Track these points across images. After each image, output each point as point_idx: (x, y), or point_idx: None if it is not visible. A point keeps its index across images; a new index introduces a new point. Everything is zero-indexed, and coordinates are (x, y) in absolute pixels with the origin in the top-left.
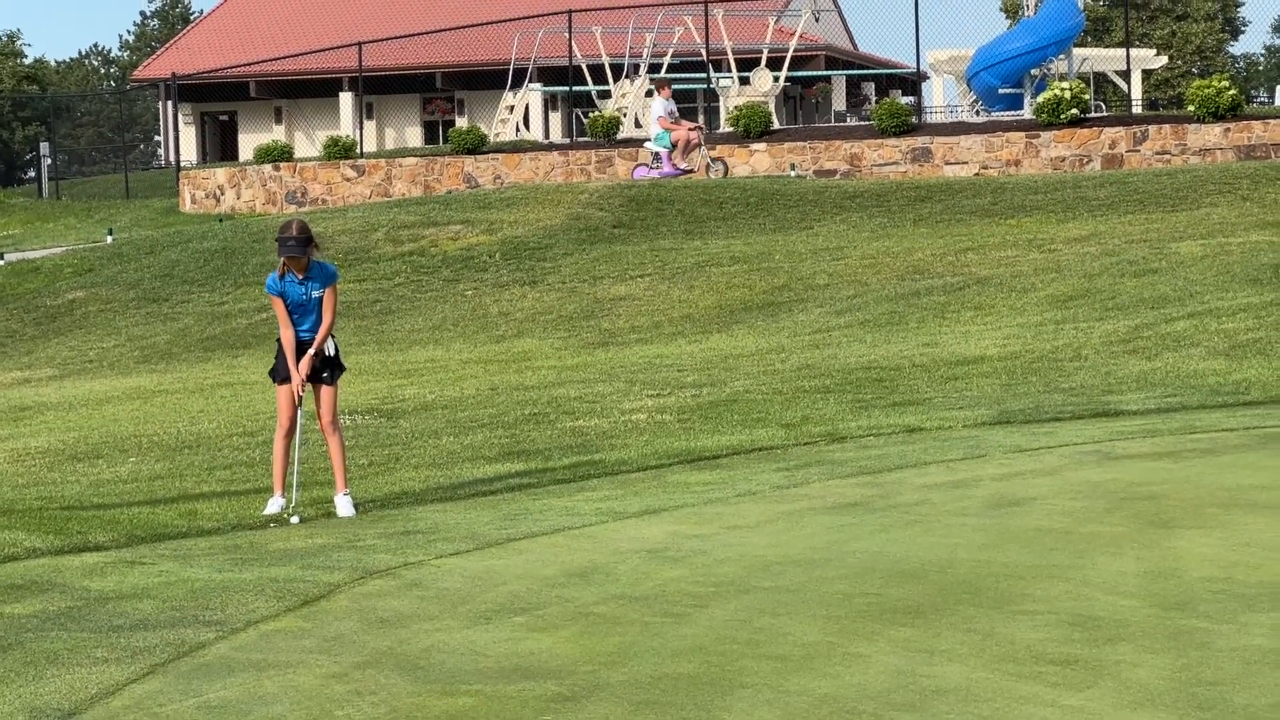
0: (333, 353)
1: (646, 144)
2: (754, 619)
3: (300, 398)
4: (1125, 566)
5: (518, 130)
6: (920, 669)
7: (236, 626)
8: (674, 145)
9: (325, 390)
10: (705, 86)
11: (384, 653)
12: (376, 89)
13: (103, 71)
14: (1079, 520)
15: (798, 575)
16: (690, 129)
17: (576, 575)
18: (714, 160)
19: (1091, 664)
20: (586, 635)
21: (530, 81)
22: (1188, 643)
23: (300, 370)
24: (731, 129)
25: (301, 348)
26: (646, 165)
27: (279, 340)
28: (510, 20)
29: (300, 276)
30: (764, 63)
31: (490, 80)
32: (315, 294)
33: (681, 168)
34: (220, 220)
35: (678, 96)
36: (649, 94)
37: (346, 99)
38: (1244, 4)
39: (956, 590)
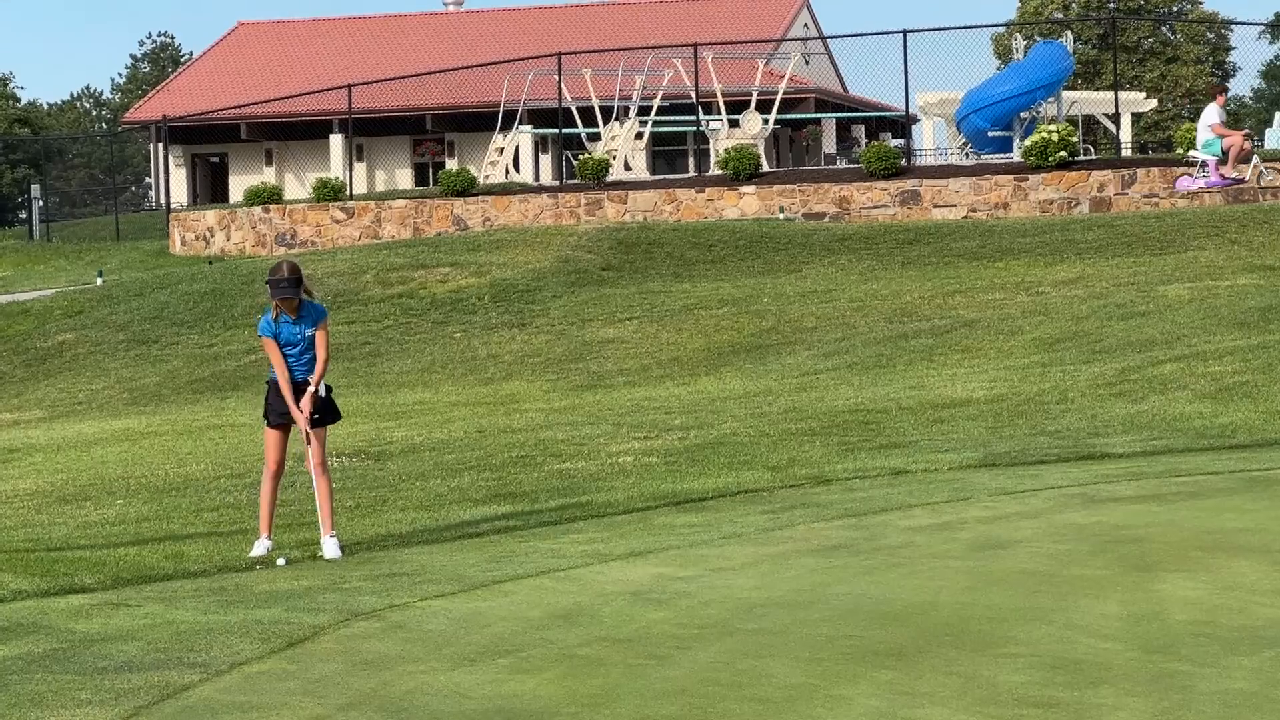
0: (326, 394)
1: (1192, 152)
2: (737, 661)
3: (308, 435)
4: (1108, 609)
5: (507, 172)
6: (902, 711)
7: (221, 669)
8: (1224, 154)
9: (315, 432)
10: (695, 129)
11: (368, 695)
12: (366, 131)
13: (94, 114)
14: (1063, 563)
15: (781, 617)
16: (1244, 136)
17: (561, 617)
18: (1266, 168)
19: (1073, 707)
20: (570, 677)
21: (520, 124)
22: (1169, 686)
23: (303, 408)
24: (721, 171)
25: (297, 388)
26: (1190, 175)
27: (269, 383)
28: (500, 63)
29: (294, 317)
30: (753, 105)
31: (480, 122)
32: (309, 333)
33: (1231, 177)
34: (210, 262)
35: (665, 138)
36: (637, 136)
37: (337, 141)
38: (1235, 48)
39: (939, 633)
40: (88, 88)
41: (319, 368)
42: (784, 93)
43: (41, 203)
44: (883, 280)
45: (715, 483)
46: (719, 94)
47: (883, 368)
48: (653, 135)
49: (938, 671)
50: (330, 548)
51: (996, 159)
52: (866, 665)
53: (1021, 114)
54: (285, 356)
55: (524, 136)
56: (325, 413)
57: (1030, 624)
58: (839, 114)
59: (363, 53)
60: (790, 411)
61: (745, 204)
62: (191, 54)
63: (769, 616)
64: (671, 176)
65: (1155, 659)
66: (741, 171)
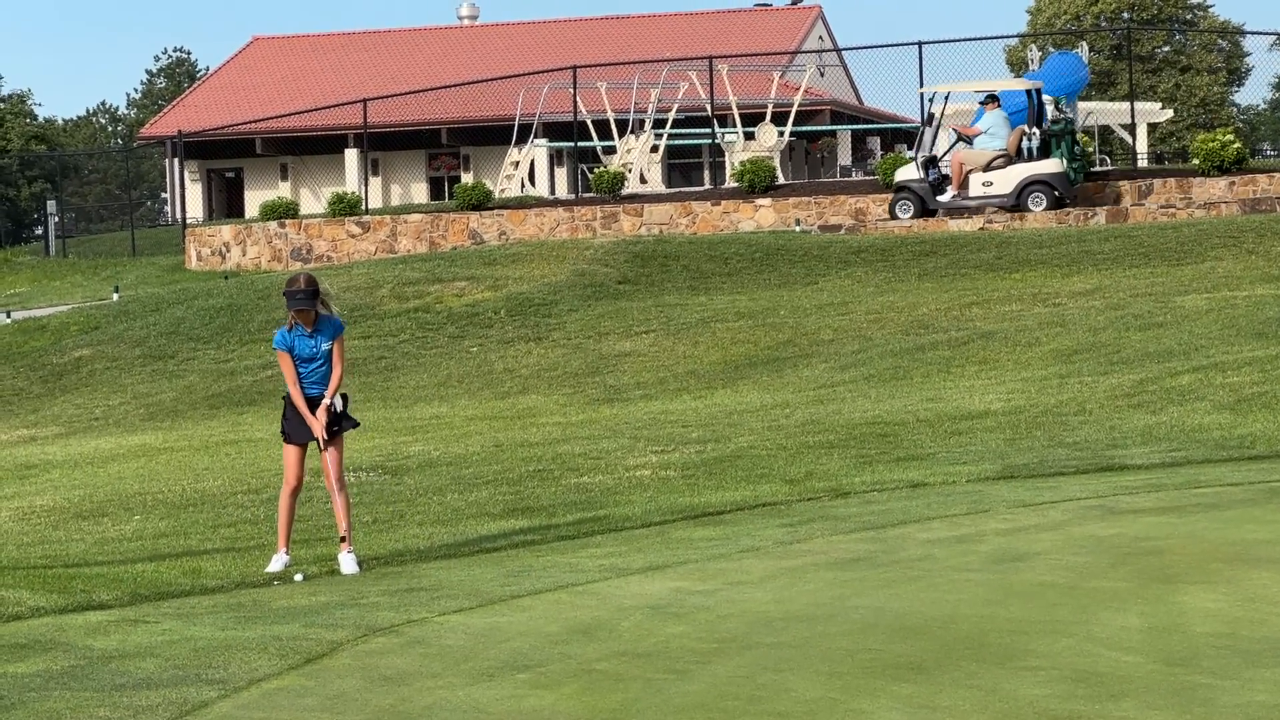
0: (342, 407)
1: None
2: (756, 675)
3: (324, 443)
4: (1129, 622)
5: (523, 186)
6: None
7: (239, 685)
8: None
9: (331, 447)
10: (710, 142)
11: (386, 710)
12: (382, 145)
13: (110, 129)
14: (1083, 575)
15: (800, 631)
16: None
17: (579, 632)
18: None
19: None
20: (589, 692)
21: (535, 137)
22: (1191, 699)
23: (319, 420)
24: (736, 184)
25: (311, 402)
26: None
27: (286, 398)
28: (515, 76)
29: (309, 330)
30: (769, 117)
31: (495, 136)
32: (324, 346)
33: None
34: (226, 277)
35: (680, 151)
36: (653, 149)
37: (352, 155)
38: (1250, 53)
39: (959, 646)
40: (103, 103)
41: (333, 382)
42: (799, 105)
43: (58, 218)
44: (899, 292)
45: (733, 496)
46: (734, 106)
47: (900, 380)
48: (668, 148)
49: (958, 685)
50: (347, 563)
51: None
52: (886, 679)
53: None
54: (299, 370)
55: (539, 150)
56: (342, 423)
57: (1050, 637)
58: (854, 126)
59: (377, 67)
60: (807, 424)
61: (761, 216)
62: (207, 69)
63: (788, 630)
64: (687, 189)
65: (1177, 672)
66: (757, 184)
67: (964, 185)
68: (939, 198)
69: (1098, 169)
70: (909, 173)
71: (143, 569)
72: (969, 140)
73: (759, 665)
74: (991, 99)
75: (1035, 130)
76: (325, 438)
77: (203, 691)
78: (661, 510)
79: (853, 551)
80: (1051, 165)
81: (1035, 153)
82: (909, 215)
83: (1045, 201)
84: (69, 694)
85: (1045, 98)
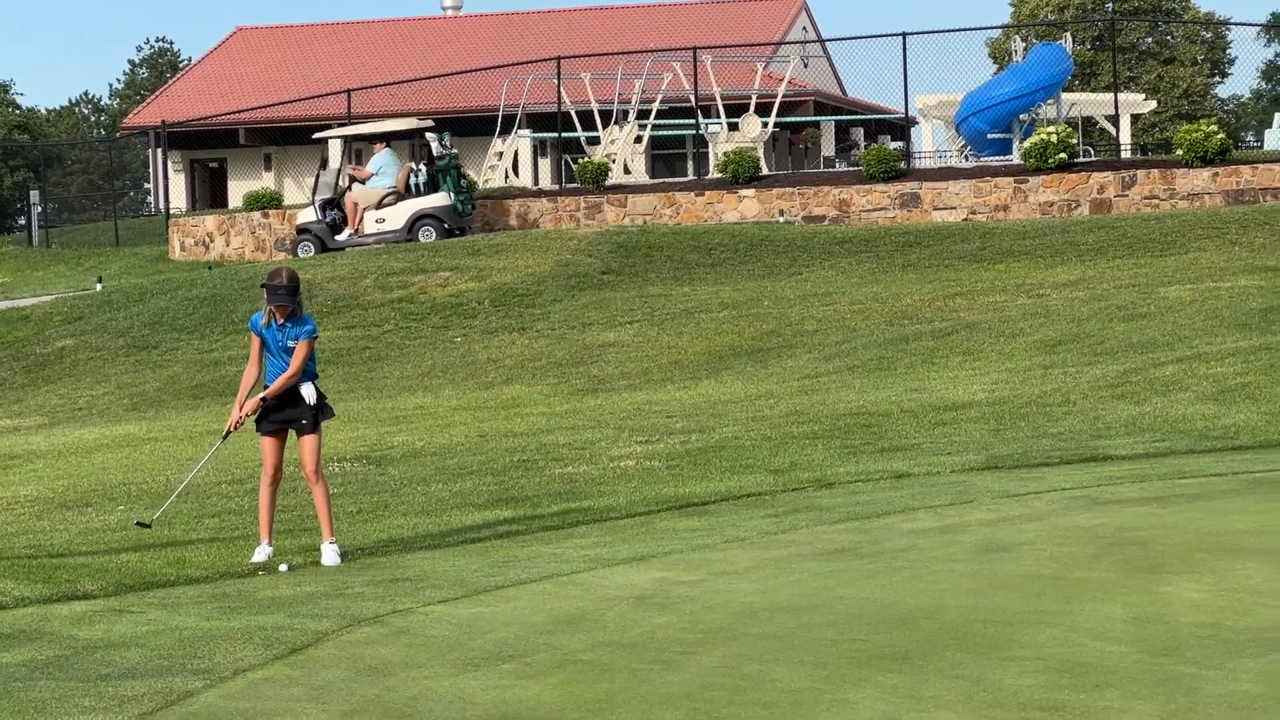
0: (313, 401)
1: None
2: (741, 666)
3: (228, 434)
4: (1113, 612)
5: (506, 177)
6: (907, 716)
7: (225, 675)
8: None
9: (307, 440)
10: (694, 132)
11: (372, 701)
12: (366, 136)
13: (93, 119)
14: (1067, 566)
15: (785, 622)
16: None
17: (564, 622)
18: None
19: (1079, 710)
20: (574, 683)
21: (519, 128)
22: (1175, 689)
23: (243, 410)
24: (720, 175)
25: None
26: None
27: (264, 387)
28: (499, 67)
29: (280, 322)
30: (753, 108)
31: (479, 126)
32: (290, 343)
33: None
34: (209, 268)
35: (664, 142)
36: (636, 140)
37: (336, 146)
38: (1232, 44)
39: (944, 636)
40: (86, 93)
41: (281, 379)
42: (783, 96)
43: (40, 209)
44: (883, 283)
45: (717, 486)
46: (718, 97)
47: (884, 370)
48: (652, 139)
49: (943, 675)
50: (329, 555)
51: (996, 161)
52: (871, 669)
53: (1021, 116)
54: (262, 357)
55: (523, 140)
56: (313, 417)
57: (1035, 627)
58: (838, 117)
59: (361, 57)
60: (792, 415)
61: (745, 207)
62: (190, 59)
63: (773, 621)
64: (671, 180)
65: (1161, 661)
66: (741, 175)
67: (360, 223)
68: (337, 237)
69: (1081, 160)
70: (308, 215)
71: (127, 559)
72: (362, 181)
73: (744, 656)
74: (381, 139)
75: (422, 167)
76: (232, 430)
77: (188, 681)
78: (646, 501)
79: (837, 542)
80: (439, 199)
81: (424, 188)
82: (310, 256)
83: (435, 233)
84: (54, 684)
85: (430, 136)
